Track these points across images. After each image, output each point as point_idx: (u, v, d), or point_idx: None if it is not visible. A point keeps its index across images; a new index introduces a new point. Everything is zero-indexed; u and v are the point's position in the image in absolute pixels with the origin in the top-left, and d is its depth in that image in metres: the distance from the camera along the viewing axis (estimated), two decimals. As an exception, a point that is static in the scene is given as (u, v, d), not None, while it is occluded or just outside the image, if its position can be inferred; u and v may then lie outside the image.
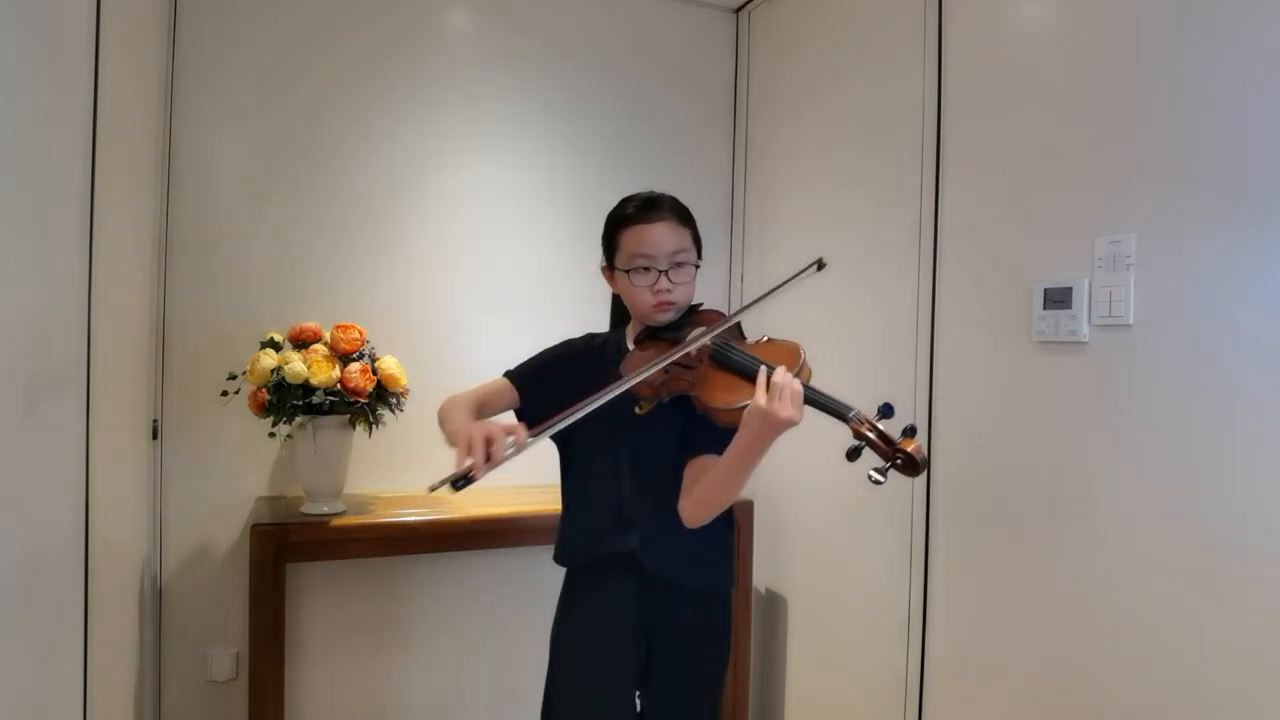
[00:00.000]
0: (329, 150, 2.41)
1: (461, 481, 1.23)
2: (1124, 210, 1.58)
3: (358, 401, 2.08)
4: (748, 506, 2.49)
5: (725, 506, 1.41)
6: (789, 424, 1.22)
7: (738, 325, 1.48)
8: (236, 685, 2.33)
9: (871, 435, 1.20)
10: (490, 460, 1.24)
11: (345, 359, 2.09)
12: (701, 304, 1.54)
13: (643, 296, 1.47)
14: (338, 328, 2.12)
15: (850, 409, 1.22)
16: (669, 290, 1.45)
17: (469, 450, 1.24)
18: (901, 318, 2.11)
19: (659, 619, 1.50)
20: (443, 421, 1.47)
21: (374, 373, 2.10)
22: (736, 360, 1.35)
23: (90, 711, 1.55)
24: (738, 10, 2.86)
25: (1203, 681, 1.43)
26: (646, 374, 1.35)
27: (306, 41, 2.39)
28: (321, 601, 2.39)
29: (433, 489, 1.21)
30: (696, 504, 1.40)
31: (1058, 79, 1.73)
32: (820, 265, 1.48)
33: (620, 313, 1.65)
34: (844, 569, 2.34)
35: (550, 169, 2.65)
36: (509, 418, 1.49)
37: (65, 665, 1.45)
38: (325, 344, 2.11)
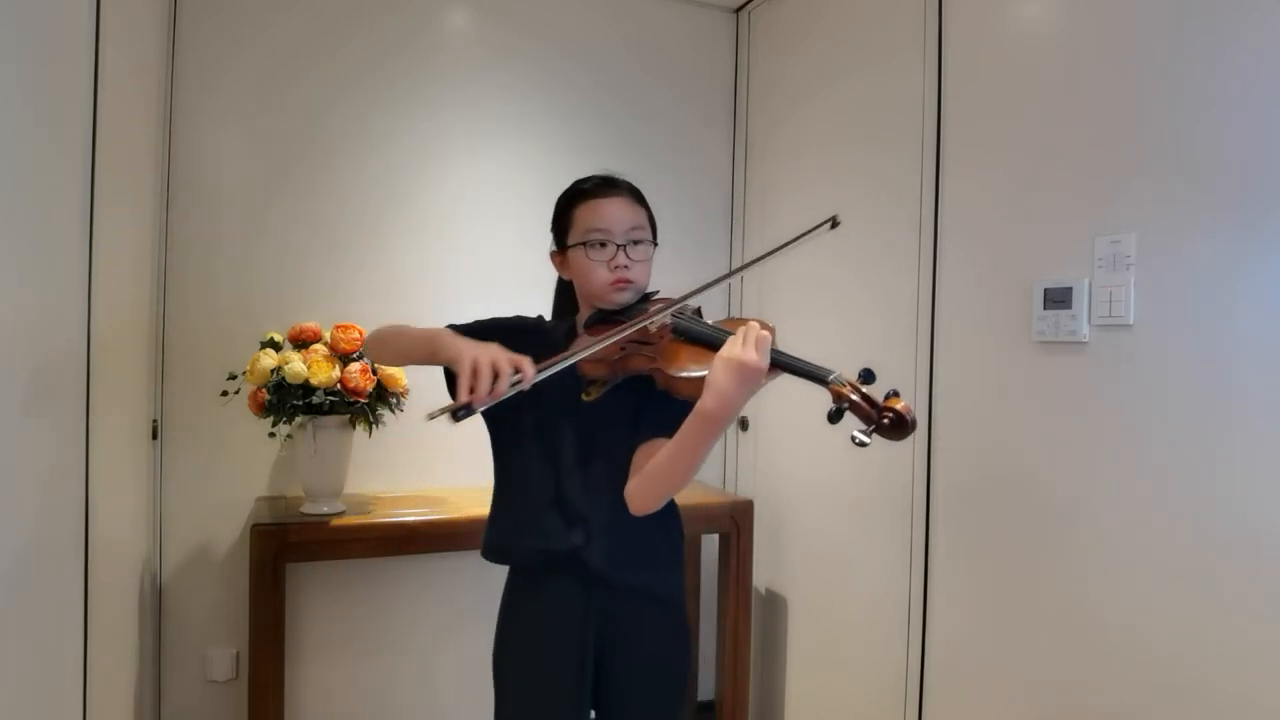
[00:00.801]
0: (329, 150, 2.42)
1: (463, 412, 1.11)
2: (1124, 210, 1.58)
3: (358, 401, 2.08)
4: (748, 506, 2.49)
5: (679, 488, 1.30)
6: (756, 372, 1.13)
7: (697, 309, 1.38)
8: (236, 685, 2.33)
9: (854, 396, 1.12)
10: (494, 394, 1.13)
11: (345, 359, 2.09)
12: (658, 291, 1.46)
13: (599, 274, 1.37)
14: (338, 328, 2.12)
15: (831, 371, 1.15)
16: (627, 266, 1.37)
17: (475, 378, 1.13)
18: (901, 317, 2.11)
19: (609, 629, 1.40)
20: (408, 337, 1.37)
21: (374, 372, 2.10)
22: (702, 331, 1.28)
23: (90, 711, 1.55)
24: (738, 10, 2.86)
25: (1203, 681, 1.43)
26: (606, 344, 1.24)
27: (306, 41, 2.39)
28: (321, 601, 2.39)
29: (431, 417, 1.10)
30: (648, 484, 1.29)
31: (1058, 79, 1.73)
32: (834, 223, 1.37)
33: (564, 304, 1.54)
34: (844, 569, 2.34)
35: (550, 169, 2.64)
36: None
37: (65, 665, 1.45)
38: (325, 344, 2.11)
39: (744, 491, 2.75)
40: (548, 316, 1.59)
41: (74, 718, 1.48)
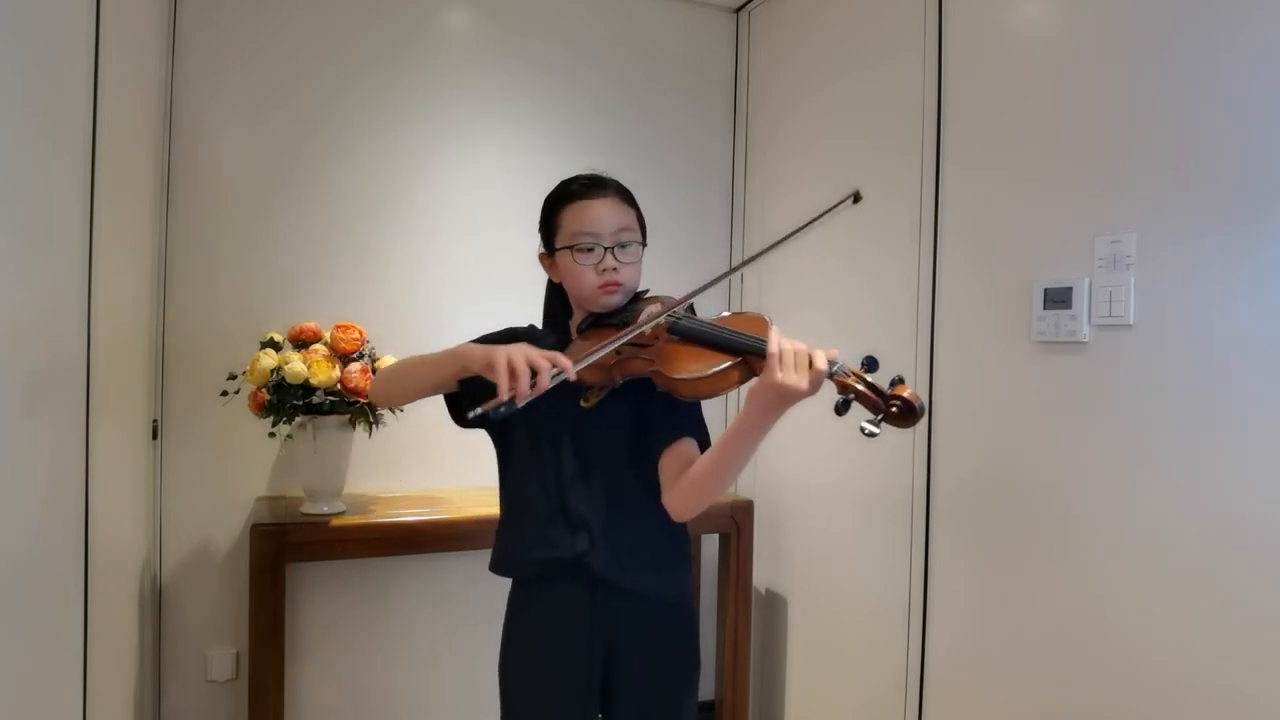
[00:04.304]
0: (329, 150, 2.42)
1: (505, 408, 1.12)
2: (1124, 210, 1.58)
3: (358, 401, 2.08)
4: (748, 506, 2.49)
5: (722, 492, 1.31)
6: (802, 395, 1.13)
7: (690, 306, 1.37)
8: (236, 685, 2.33)
9: (860, 386, 1.12)
10: (535, 389, 1.13)
11: (345, 359, 2.09)
12: (648, 290, 1.45)
13: (587, 277, 1.36)
14: (338, 328, 2.12)
15: (834, 362, 1.14)
16: (615, 269, 1.35)
17: (513, 377, 1.13)
18: (901, 317, 2.11)
19: (617, 634, 1.38)
20: (428, 362, 1.35)
21: (374, 372, 2.10)
22: (700, 330, 1.26)
23: (90, 711, 1.55)
24: (738, 10, 2.86)
25: (1202, 680, 1.43)
26: (600, 353, 1.22)
27: (306, 42, 2.39)
28: (321, 601, 2.39)
29: (473, 415, 1.10)
30: (692, 491, 1.30)
31: (1058, 78, 1.73)
32: (856, 198, 1.40)
33: (555, 310, 1.52)
34: (844, 569, 2.34)
35: (551, 169, 2.61)
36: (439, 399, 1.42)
37: (65, 665, 1.45)
38: (325, 344, 2.11)
39: (744, 491, 2.75)
40: (538, 321, 1.57)
41: (74, 718, 1.48)
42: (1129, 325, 1.56)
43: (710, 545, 2.70)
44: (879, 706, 2.17)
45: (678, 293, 1.46)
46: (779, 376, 1.12)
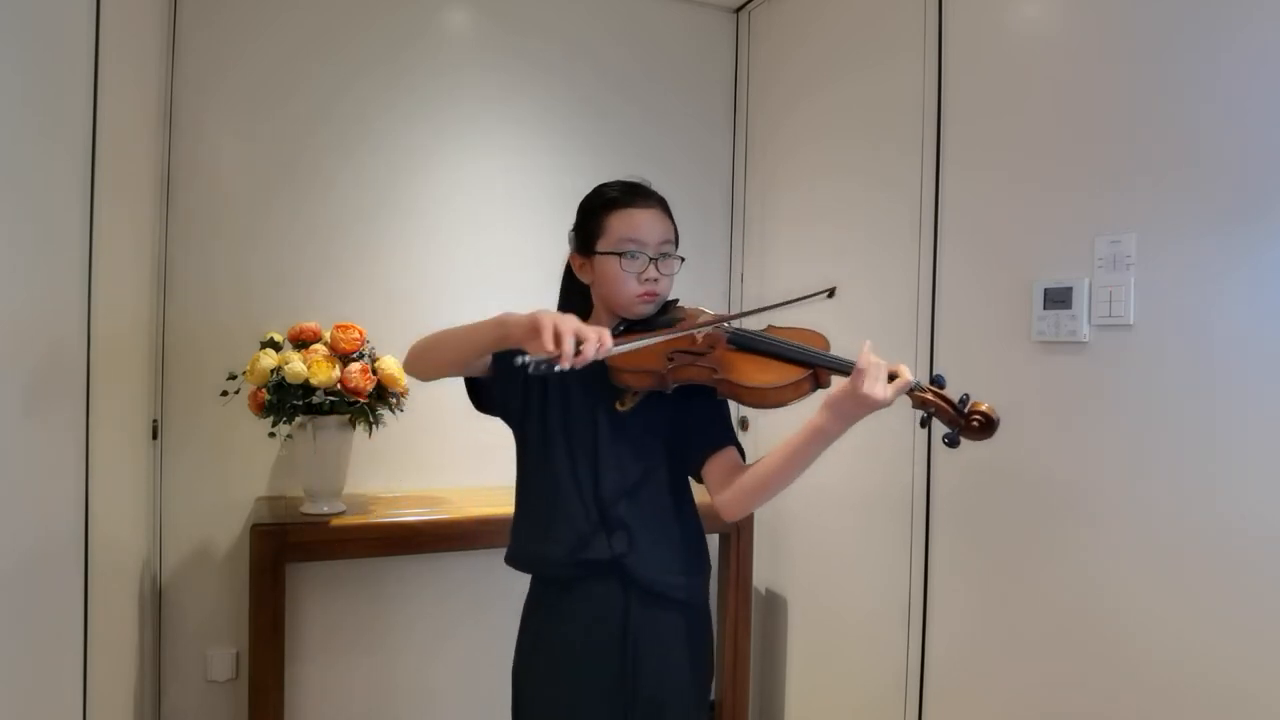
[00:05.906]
0: (329, 150, 2.41)
1: (545, 365, 1.09)
2: (1124, 210, 1.58)
3: (358, 401, 2.07)
4: (748, 506, 2.49)
5: (776, 495, 1.37)
6: (880, 406, 1.20)
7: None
8: (236, 685, 2.33)
9: (940, 401, 1.19)
10: (579, 358, 1.11)
11: (345, 359, 2.09)
12: (677, 300, 1.48)
13: (629, 284, 1.37)
14: (338, 328, 2.12)
15: (911, 380, 1.21)
16: (656, 280, 1.38)
17: (558, 341, 1.11)
18: (901, 317, 2.11)
19: (643, 635, 1.38)
20: (464, 331, 1.33)
21: (374, 373, 2.10)
22: (762, 341, 1.32)
23: (90, 711, 1.55)
24: (738, 10, 2.86)
25: (1202, 680, 1.43)
26: (650, 341, 1.26)
27: (306, 42, 2.39)
28: (321, 601, 2.39)
29: (522, 364, 1.09)
30: (754, 492, 1.35)
31: (1058, 78, 1.73)
32: (831, 293, 1.44)
33: (572, 308, 1.49)
34: (844, 569, 2.34)
35: (551, 169, 2.65)
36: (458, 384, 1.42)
37: (65, 665, 1.45)
38: (325, 344, 2.11)
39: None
40: None
41: (74, 718, 1.49)
42: (1129, 325, 1.56)
43: (710, 545, 2.69)
44: (879, 706, 2.17)
45: (678, 294, 1.47)
46: (865, 387, 1.18)
